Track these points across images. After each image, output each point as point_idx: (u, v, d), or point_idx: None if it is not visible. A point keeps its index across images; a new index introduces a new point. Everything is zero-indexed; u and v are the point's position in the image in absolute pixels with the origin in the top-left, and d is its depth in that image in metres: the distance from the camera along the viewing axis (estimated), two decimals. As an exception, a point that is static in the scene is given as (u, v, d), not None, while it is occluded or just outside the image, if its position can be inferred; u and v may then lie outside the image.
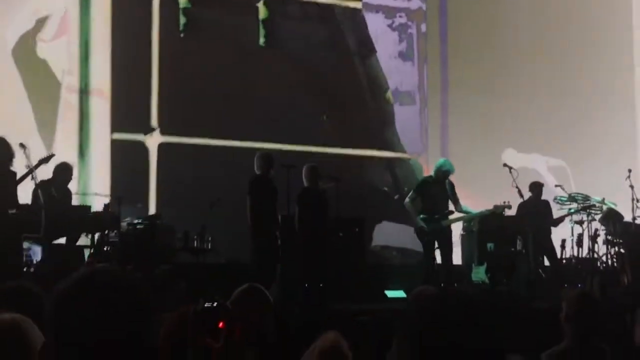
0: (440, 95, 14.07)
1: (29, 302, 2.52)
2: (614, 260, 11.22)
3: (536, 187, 11.47)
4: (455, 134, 13.92)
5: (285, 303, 8.74)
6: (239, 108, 12.54)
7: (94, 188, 11.23)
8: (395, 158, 13.75)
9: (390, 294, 10.13)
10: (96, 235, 9.38)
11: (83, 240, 9.49)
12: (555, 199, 11.84)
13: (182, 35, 12.57)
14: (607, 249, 11.32)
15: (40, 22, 11.76)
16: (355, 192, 11.62)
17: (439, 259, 10.21)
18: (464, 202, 10.50)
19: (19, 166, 8.63)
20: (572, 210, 11.44)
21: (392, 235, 12.82)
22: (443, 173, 10.22)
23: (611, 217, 11.30)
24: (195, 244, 9.68)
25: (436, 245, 10.12)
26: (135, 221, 9.77)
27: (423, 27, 14.16)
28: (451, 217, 10.39)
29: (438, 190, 10.21)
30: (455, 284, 10.20)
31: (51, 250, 8.78)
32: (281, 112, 12.69)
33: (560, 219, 11.43)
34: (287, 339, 4.36)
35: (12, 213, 8.54)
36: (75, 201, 10.01)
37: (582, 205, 11.45)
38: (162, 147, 12.17)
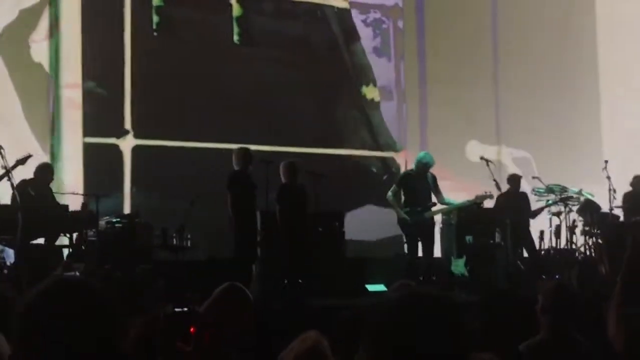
0: (419, 90, 14.08)
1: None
2: (592, 251, 11.31)
3: (514, 180, 11.57)
4: (435, 128, 13.93)
5: (265, 300, 8.74)
6: (215, 108, 12.37)
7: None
8: (375, 156, 13.67)
9: (371, 288, 10.15)
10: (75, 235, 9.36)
11: (63, 240, 9.45)
12: (533, 190, 11.91)
13: (155, 34, 12.36)
14: (585, 239, 11.42)
15: (26, 14, 11.52)
16: (336, 186, 11.57)
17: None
18: (449, 194, 10.60)
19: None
20: (550, 202, 11.52)
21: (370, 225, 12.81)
22: (423, 166, 10.32)
23: (589, 208, 11.39)
24: (174, 242, 9.65)
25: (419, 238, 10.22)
26: (114, 220, 9.73)
27: (400, 23, 14.14)
28: (434, 209, 10.48)
29: (420, 183, 10.30)
30: (434, 277, 10.25)
31: (27, 252, 8.71)
32: (258, 111, 12.55)
33: (538, 211, 11.51)
34: (266, 337, 4.35)
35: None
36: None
37: (559, 196, 11.52)
38: (136, 149, 11.95)
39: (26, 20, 11.53)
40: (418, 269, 10.02)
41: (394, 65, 14.02)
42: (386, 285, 9.47)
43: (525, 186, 11.86)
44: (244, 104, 12.49)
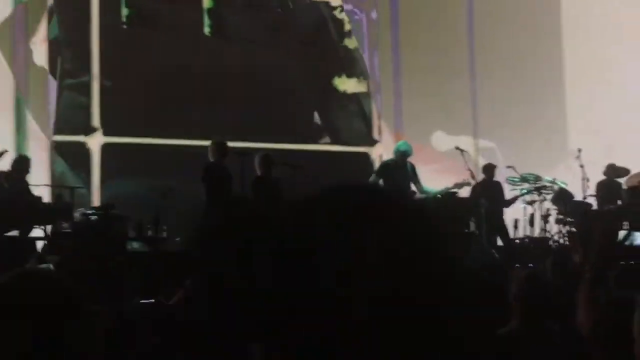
0: (393, 82, 14.06)
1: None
2: (566, 239, 11.40)
3: (489, 169, 11.65)
4: (410, 120, 13.92)
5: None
6: (187, 102, 12.18)
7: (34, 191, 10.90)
8: (349, 151, 13.54)
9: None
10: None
11: (37, 232, 9.39)
12: (507, 179, 11.99)
13: (124, 27, 12.15)
14: (559, 228, 11.51)
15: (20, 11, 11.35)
16: (312, 179, 11.50)
17: None
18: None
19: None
20: (525, 191, 11.60)
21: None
22: (401, 154, 10.40)
23: (562, 197, 11.49)
24: (149, 233, 9.62)
25: None
26: (89, 211, 9.68)
27: (373, 15, 14.07)
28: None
29: (399, 173, 10.37)
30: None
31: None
32: (231, 105, 12.37)
33: (513, 200, 11.59)
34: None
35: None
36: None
37: (534, 185, 11.61)
38: (105, 147, 11.78)
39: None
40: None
41: (368, 57, 13.95)
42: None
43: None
44: (215, 98, 12.30)
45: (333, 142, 13.43)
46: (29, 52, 11.52)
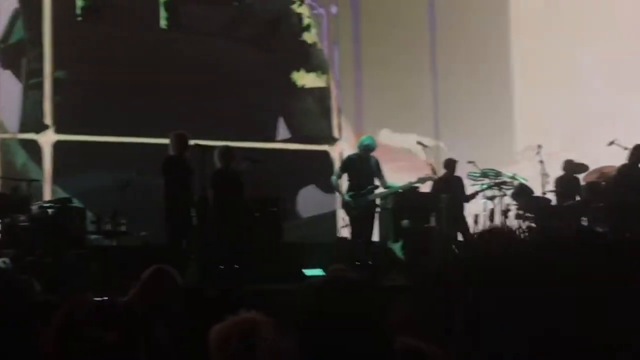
0: (354, 75, 14.01)
1: None
2: (526, 234, 11.47)
3: (450, 164, 11.72)
4: (370, 115, 13.89)
5: (200, 285, 8.67)
6: (143, 98, 11.95)
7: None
8: (308, 149, 13.45)
9: (308, 272, 10.14)
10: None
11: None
12: (468, 175, 12.04)
13: (79, 19, 11.89)
14: (519, 223, 11.59)
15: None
16: (273, 172, 11.44)
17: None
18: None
19: None
20: (485, 186, 11.66)
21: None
22: (365, 148, 10.40)
23: (522, 193, 11.58)
24: (108, 227, 9.52)
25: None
26: (46, 204, 9.55)
27: (333, 9, 13.97)
28: (377, 191, 10.53)
29: (362, 167, 10.38)
30: (370, 262, 10.29)
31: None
32: (189, 101, 12.13)
33: (473, 195, 11.65)
34: (200, 323, 4.30)
35: None
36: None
37: (494, 181, 11.68)
38: (57, 145, 11.56)
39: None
40: (356, 253, 10.07)
41: (328, 52, 13.83)
42: (324, 270, 9.48)
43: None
44: (172, 94, 12.08)
45: (293, 138, 13.34)
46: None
